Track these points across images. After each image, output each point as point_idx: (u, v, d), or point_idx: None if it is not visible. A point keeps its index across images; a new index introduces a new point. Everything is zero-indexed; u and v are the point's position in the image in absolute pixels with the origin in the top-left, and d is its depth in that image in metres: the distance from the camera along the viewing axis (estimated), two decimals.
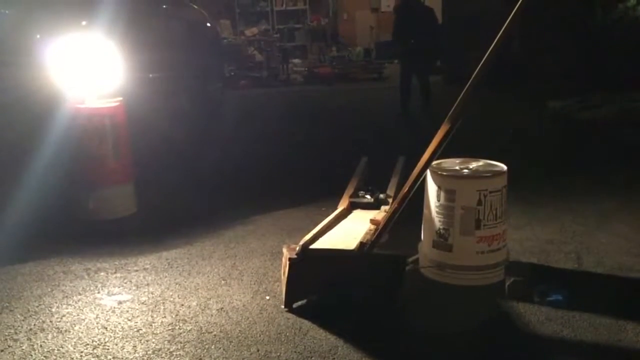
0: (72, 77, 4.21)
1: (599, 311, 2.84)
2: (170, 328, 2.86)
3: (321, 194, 4.73)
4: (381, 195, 3.91)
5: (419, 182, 3.08)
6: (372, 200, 3.87)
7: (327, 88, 12.04)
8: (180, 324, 2.89)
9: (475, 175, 3.22)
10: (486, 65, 2.96)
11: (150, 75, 6.38)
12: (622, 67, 7.86)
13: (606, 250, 3.60)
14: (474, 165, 3.32)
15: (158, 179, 5.04)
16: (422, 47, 8.39)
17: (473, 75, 3.00)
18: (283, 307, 3.01)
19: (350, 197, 3.91)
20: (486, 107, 6.69)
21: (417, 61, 8.61)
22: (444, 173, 3.20)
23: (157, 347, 2.70)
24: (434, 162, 3.19)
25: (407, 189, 3.07)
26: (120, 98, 4.29)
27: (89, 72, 4.19)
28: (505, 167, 3.24)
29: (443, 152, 3.07)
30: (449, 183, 3.15)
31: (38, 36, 4.87)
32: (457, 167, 3.29)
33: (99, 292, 3.27)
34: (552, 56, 8.40)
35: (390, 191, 4.11)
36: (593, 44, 8.36)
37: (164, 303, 3.12)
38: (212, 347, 2.68)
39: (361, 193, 3.97)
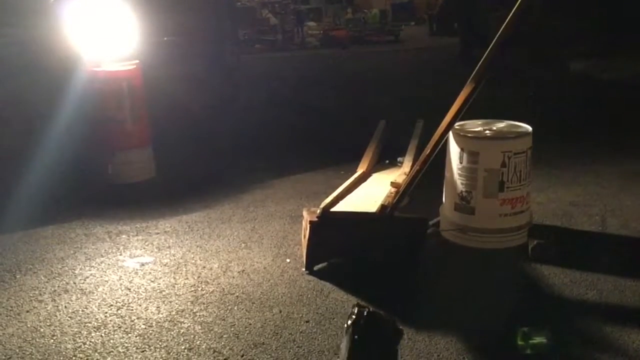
0: (88, 40, 4.16)
1: (624, 274, 2.81)
2: (192, 289, 2.88)
3: (339, 158, 4.69)
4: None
5: (441, 144, 3.03)
6: None
7: (343, 51, 11.85)
8: (203, 286, 2.91)
9: (499, 136, 3.15)
10: (510, 25, 2.87)
11: (165, 39, 6.32)
12: None
13: (631, 212, 3.55)
14: (497, 126, 3.25)
15: (175, 144, 5.02)
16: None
17: (497, 35, 2.91)
18: (304, 269, 3.01)
19: None
20: (506, 69, 6.55)
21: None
22: (468, 134, 3.14)
23: (180, 308, 2.72)
24: (457, 124, 3.13)
25: (429, 150, 3.02)
26: (137, 61, 4.25)
27: (104, 34, 4.15)
28: (530, 128, 3.17)
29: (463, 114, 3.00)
30: (473, 145, 3.09)
31: None
32: (480, 129, 3.23)
33: (121, 255, 3.29)
34: (574, 17, 8.18)
35: (409, 155, 4.06)
36: (614, 4, 8.15)
37: (185, 265, 3.14)
38: (235, 308, 2.70)
39: None
